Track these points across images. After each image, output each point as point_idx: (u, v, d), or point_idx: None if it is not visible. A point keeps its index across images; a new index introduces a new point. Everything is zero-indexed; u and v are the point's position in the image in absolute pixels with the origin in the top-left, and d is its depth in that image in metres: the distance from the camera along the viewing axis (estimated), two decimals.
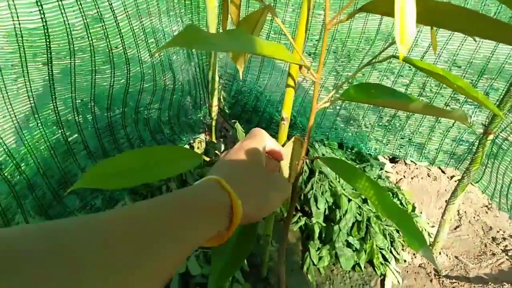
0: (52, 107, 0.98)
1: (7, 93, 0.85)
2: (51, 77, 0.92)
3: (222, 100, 1.72)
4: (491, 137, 1.04)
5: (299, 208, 1.39)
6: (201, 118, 1.66)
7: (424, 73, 0.55)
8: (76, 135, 1.08)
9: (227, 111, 1.77)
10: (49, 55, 0.88)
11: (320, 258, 1.23)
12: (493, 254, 1.35)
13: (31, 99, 0.91)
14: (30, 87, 0.90)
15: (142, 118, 1.26)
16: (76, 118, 1.05)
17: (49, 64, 0.90)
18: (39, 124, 0.96)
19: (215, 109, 1.58)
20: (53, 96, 0.96)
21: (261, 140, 0.52)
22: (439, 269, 1.28)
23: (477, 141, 1.20)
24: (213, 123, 1.63)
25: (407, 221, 0.55)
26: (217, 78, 1.50)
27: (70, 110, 1.02)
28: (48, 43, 0.86)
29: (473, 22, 0.40)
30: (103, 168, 0.55)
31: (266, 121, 1.69)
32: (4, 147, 0.88)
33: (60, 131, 1.02)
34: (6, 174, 0.90)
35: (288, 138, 0.72)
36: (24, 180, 0.94)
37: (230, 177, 0.41)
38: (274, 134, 0.65)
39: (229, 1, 0.65)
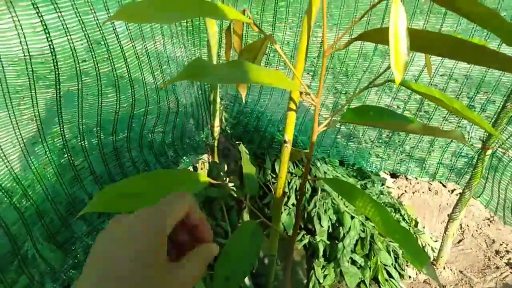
0: (59, 133, 1.00)
1: (15, 118, 0.88)
2: (58, 103, 0.95)
3: (223, 120, 1.75)
4: (489, 152, 1.06)
5: (302, 226, 1.40)
6: (204, 139, 1.68)
7: (421, 96, 0.57)
8: (82, 159, 1.11)
9: (229, 131, 1.79)
10: (58, 83, 0.91)
11: (325, 276, 1.24)
12: (497, 268, 1.35)
13: (38, 125, 0.94)
14: (39, 113, 0.92)
15: (146, 141, 1.29)
16: (82, 143, 1.07)
17: (58, 91, 0.92)
18: (46, 151, 0.98)
19: (217, 130, 1.60)
20: (60, 122, 0.99)
21: (163, 213, 0.34)
22: (442, 285, 1.28)
23: (477, 156, 1.22)
24: (215, 144, 1.65)
25: (409, 240, 0.57)
26: (218, 99, 1.52)
27: (77, 135, 1.05)
28: (56, 69, 0.89)
29: (461, 49, 0.43)
30: (110, 192, 0.57)
31: (267, 140, 1.71)
32: (14, 174, 0.90)
33: (66, 156, 1.05)
34: (14, 201, 0.91)
35: (290, 158, 0.74)
36: (33, 206, 0.96)
37: (105, 283, 0.30)
38: (277, 154, 0.67)
39: (231, 32, 0.68)
